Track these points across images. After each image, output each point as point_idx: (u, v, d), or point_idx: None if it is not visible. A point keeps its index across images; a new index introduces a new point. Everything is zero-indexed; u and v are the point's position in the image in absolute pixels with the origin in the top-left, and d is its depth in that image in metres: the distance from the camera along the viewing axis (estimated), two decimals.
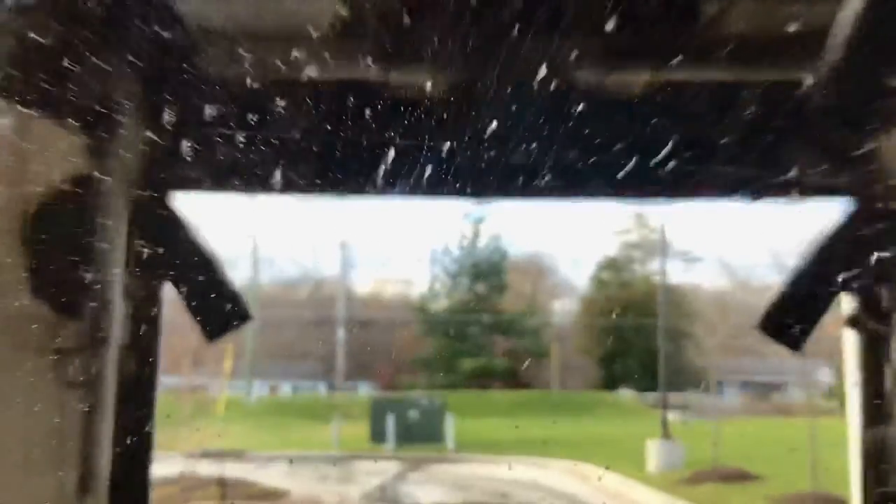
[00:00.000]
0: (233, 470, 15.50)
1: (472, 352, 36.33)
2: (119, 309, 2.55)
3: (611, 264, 42.05)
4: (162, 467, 10.64)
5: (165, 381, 21.32)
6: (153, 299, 2.87)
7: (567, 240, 41.61)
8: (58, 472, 2.19)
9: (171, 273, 2.95)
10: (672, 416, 25.27)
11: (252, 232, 35.65)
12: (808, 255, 3.15)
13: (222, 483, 13.55)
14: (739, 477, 14.71)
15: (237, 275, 36.99)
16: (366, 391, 34.58)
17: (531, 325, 38.99)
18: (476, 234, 41.68)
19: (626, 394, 35.24)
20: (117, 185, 2.69)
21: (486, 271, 41.14)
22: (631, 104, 3.42)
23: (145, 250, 2.85)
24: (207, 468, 14.81)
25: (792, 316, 3.22)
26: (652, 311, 32.60)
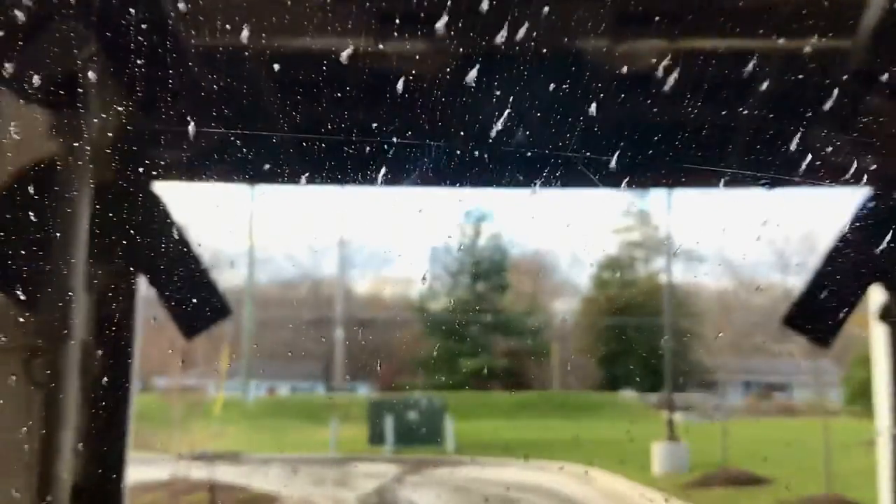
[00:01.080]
0: (227, 473, 15.26)
1: (473, 352, 36.10)
2: (83, 303, 2.32)
3: (613, 263, 41.87)
4: (153, 470, 10.41)
5: (161, 382, 21.08)
6: (126, 294, 2.64)
7: (568, 239, 41.36)
8: (10, 478, 2.03)
9: (144, 265, 2.68)
10: (676, 417, 25.01)
11: (249, 231, 35.31)
12: (837, 248, 2.88)
13: (212, 488, 13.28)
14: (749, 480, 14.38)
15: (235, 274, 36.84)
16: (365, 392, 34.41)
17: (532, 325, 38.74)
18: (477, 233, 41.47)
19: (628, 394, 35.01)
20: (83, 168, 2.44)
21: (487, 270, 40.91)
22: (644, 84, 3.17)
23: (114, 240, 2.61)
24: (201, 471, 14.55)
25: (821, 311, 2.94)
26: (654, 311, 32.46)
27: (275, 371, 34.89)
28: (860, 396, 17.96)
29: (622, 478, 16.13)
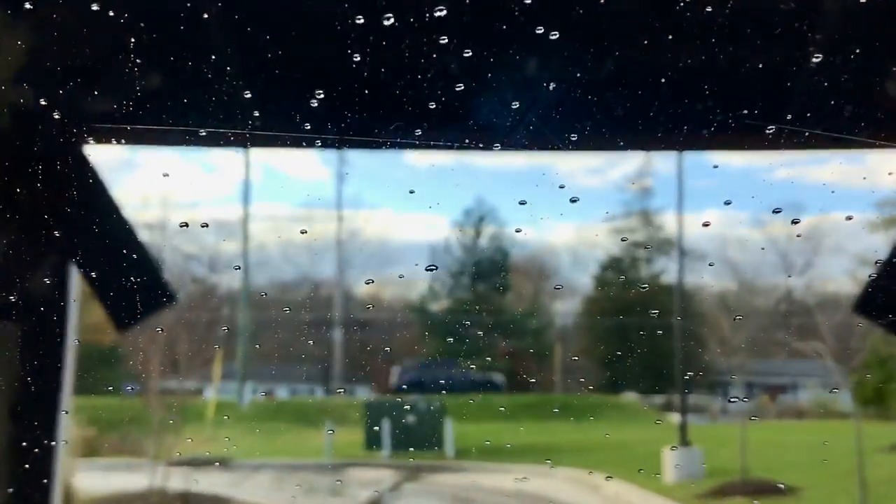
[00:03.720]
0: (214, 480, 14.62)
1: (473, 353, 35.63)
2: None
3: (615, 264, 41.58)
4: (135, 478, 9.77)
5: (152, 386, 20.43)
6: (56, 283, 2.24)
7: (570, 239, 40.79)
8: None
9: (72, 247, 2.33)
10: (679, 420, 24.38)
11: (245, 231, 34.98)
12: None
13: (185, 499, 12.58)
14: (772, 489, 13.49)
15: (232, 275, 36.37)
16: (364, 394, 34.16)
17: (533, 326, 38.36)
18: (477, 233, 41.26)
19: (631, 397, 34.60)
20: None
21: (488, 271, 40.67)
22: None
23: (37, 215, 2.20)
24: (187, 478, 13.87)
25: (893, 299, 2.87)
26: (658, 312, 32.02)
27: (273, 374, 34.50)
28: (876, 399, 17.22)
29: (633, 486, 15.34)
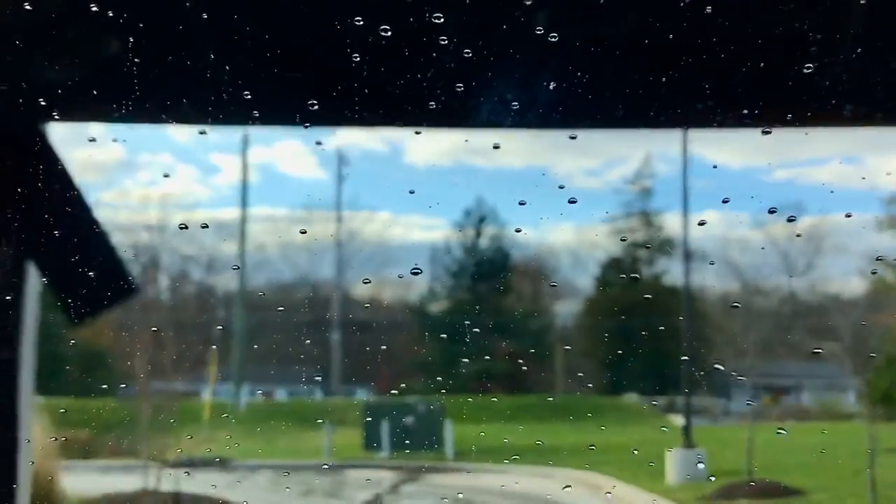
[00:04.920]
0: (211, 481, 14.41)
1: (473, 354, 35.45)
2: None
3: (615, 264, 41.45)
4: (130, 480, 9.57)
5: (148, 387, 20.25)
6: (12, 274, 2.07)
7: (570, 239, 40.66)
8: None
9: (28, 235, 2.13)
10: (681, 421, 24.17)
11: (241, 232, 34.86)
12: None
13: (177, 501, 12.38)
14: (779, 492, 13.21)
15: (231, 276, 36.25)
16: (363, 396, 34.05)
17: (533, 327, 38.18)
18: (477, 234, 41.13)
19: (632, 398, 34.47)
20: None
21: (488, 272, 40.53)
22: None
23: None
24: (182, 480, 13.67)
25: None
26: (658, 312, 31.87)
27: (271, 375, 34.37)
28: (885, 400, 16.97)
29: (636, 488, 15.09)
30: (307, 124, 3.69)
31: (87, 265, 2.36)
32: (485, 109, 3.69)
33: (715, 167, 28.24)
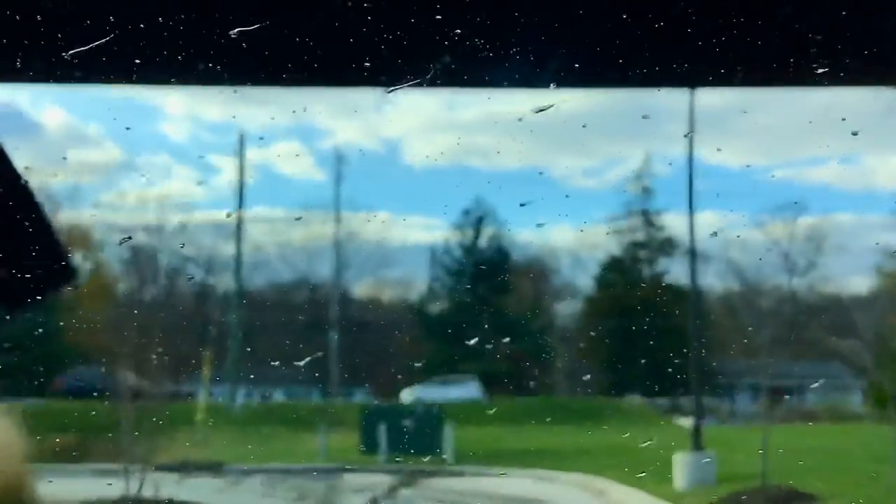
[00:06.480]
0: (201, 486, 13.95)
1: (473, 355, 35.08)
2: None
3: (616, 264, 41.17)
4: (114, 485, 9.00)
5: (145, 389, 19.78)
6: None
7: (570, 239, 40.32)
8: None
9: None
10: (684, 422, 23.70)
11: (238, 232, 34.55)
12: None
13: None
14: (794, 497, 12.61)
15: (229, 276, 35.89)
16: (361, 398, 33.74)
17: (534, 328, 37.83)
18: (477, 234, 40.88)
19: (634, 399, 34.09)
20: None
21: (488, 272, 40.28)
22: None
23: None
24: (171, 484, 13.20)
25: None
26: (659, 313, 31.53)
27: (268, 377, 34.00)
28: (892, 401, 16.47)
29: (642, 492, 14.54)
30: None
31: (21, 248, 1.93)
32: (483, 68, 3.46)
33: (715, 167, 28.10)
